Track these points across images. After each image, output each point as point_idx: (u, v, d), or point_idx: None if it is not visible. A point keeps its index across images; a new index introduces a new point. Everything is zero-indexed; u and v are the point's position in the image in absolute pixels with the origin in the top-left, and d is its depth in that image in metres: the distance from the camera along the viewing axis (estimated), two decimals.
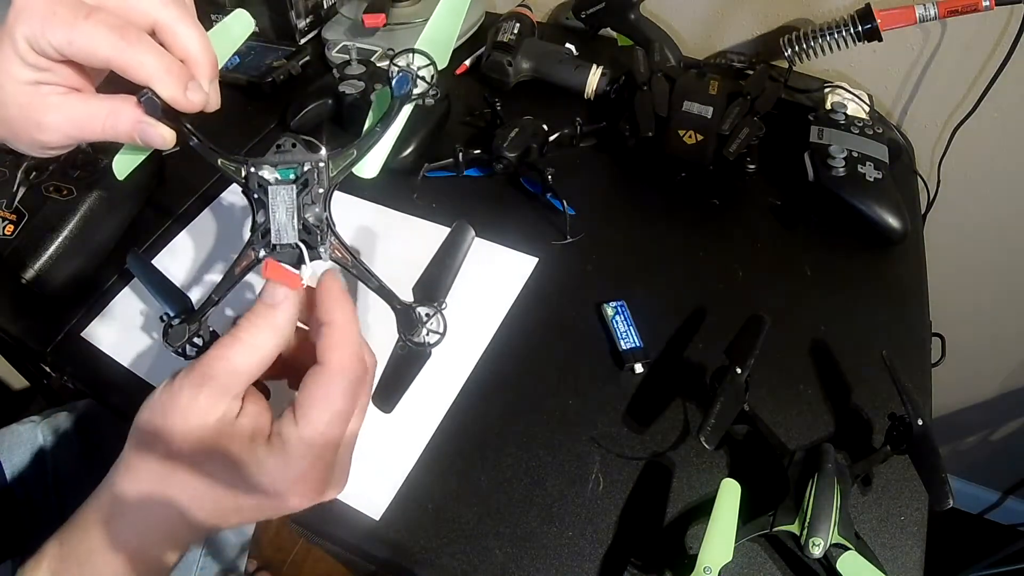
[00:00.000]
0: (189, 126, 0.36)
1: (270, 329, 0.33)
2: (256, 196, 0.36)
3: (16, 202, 0.54)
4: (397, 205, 0.63)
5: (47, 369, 0.55)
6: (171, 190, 0.65)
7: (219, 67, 0.36)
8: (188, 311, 0.38)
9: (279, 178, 0.36)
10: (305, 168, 0.36)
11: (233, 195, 0.65)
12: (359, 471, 0.45)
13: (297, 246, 0.35)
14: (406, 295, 0.38)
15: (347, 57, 0.72)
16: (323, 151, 0.36)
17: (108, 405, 0.54)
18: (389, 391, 0.40)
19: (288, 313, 0.33)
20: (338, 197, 0.63)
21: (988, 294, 0.97)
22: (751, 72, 0.72)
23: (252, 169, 0.35)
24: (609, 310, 0.54)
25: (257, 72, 0.76)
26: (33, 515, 0.56)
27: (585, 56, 0.78)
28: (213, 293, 0.37)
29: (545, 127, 0.65)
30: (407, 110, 0.41)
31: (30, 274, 0.53)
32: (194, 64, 0.34)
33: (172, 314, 0.38)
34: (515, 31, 0.78)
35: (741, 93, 0.66)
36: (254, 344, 0.32)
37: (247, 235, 0.36)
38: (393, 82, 0.40)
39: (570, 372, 0.52)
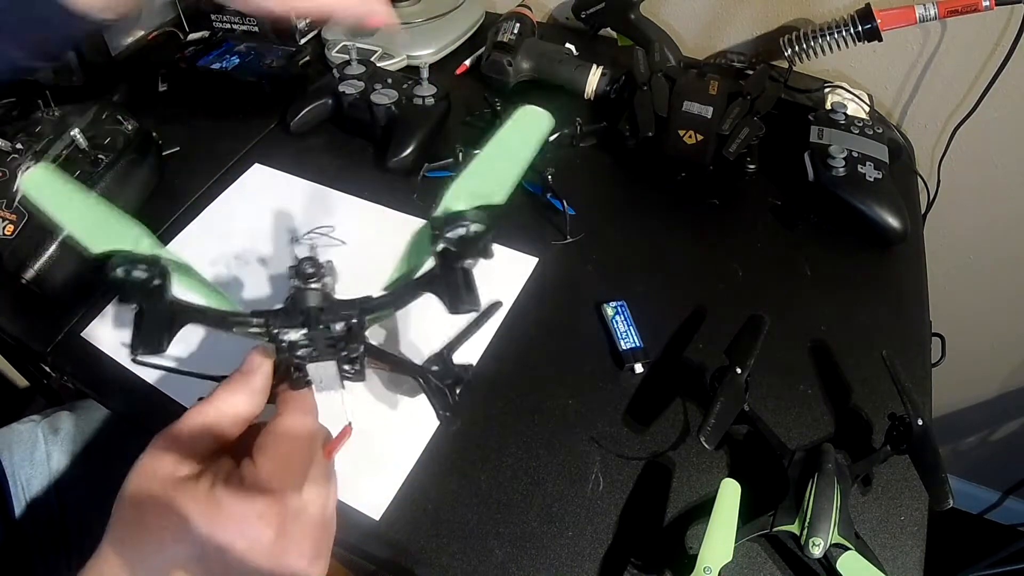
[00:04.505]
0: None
1: (245, 392, 0.34)
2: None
3: (16, 202, 0.54)
4: (397, 205, 0.63)
5: (47, 369, 0.55)
6: (171, 190, 0.65)
7: None
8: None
9: (308, 335, 0.35)
10: (337, 328, 0.35)
11: (233, 195, 0.65)
12: (359, 471, 0.46)
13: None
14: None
15: (347, 57, 0.72)
16: (355, 314, 0.35)
17: (108, 405, 0.54)
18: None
19: (264, 378, 0.35)
20: (337, 196, 0.63)
21: (988, 294, 0.97)
22: (751, 72, 0.72)
23: (280, 338, 0.35)
24: (609, 310, 0.54)
25: (257, 72, 0.76)
26: (32, 515, 0.56)
27: (585, 56, 0.78)
28: None
29: None
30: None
31: (30, 274, 0.53)
32: None
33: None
34: (515, 31, 0.78)
35: (741, 93, 0.66)
36: (225, 409, 0.34)
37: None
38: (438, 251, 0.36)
39: (570, 372, 0.52)
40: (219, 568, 0.31)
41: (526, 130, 0.33)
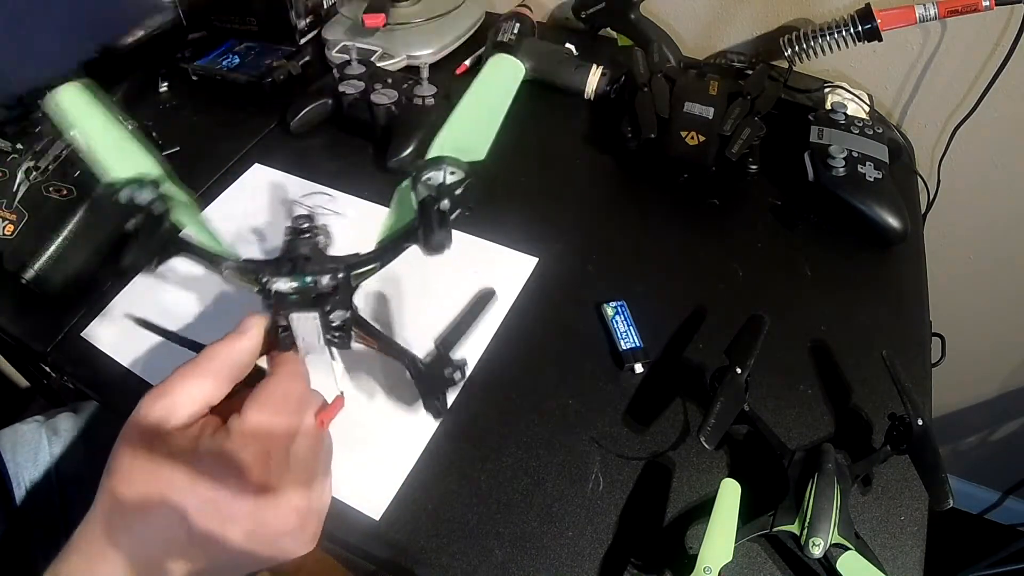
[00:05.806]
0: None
1: (236, 346, 0.35)
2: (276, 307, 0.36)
3: (16, 202, 0.54)
4: None
5: (47, 369, 0.55)
6: None
7: None
8: None
9: (296, 287, 0.36)
10: (324, 282, 0.36)
11: (233, 195, 0.65)
12: (359, 471, 0.46)
13: (327, 351, 0.37)
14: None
15: (347, 57, 0.72)
16: (340, 270, 0.35)
17: (108, 406, 0.54)
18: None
19: (255, 339, 0.36)
20: (337, 196, 0.63)
21: (988, 294, 0.97)
22: (751, 72, 0.72)
23: (268, 287, 0.35)
24: (609, 310, 0.54)
25: (257, 72, 0.76)
26: (36, 516, 0.56)
27: (585, 56, 0.78)
28: None
29: None
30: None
31: (30, 274, 0.53)
32: None
33: None
34: (515, 31, 0.78)
35: (741, 93, 0.66)
36: (214, 357, 0.35)
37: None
38: (415, 201, 0.37)
39: (570, 372, 0.52)
40: (204, 526, 0.32)
41: (500, 79, 0.33)
